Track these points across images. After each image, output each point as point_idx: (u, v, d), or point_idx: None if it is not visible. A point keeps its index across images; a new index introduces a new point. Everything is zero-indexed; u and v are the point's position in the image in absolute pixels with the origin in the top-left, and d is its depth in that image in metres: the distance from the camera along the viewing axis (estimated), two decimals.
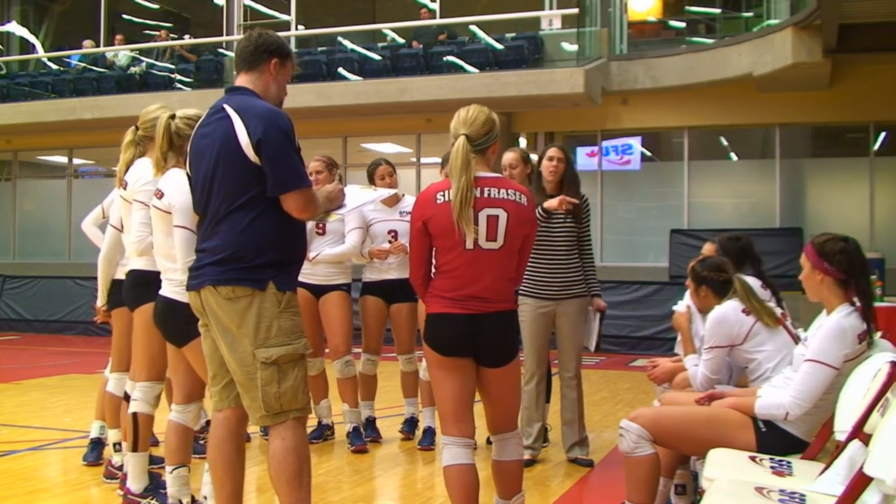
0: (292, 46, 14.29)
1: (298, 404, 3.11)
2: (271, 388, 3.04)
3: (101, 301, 4.78)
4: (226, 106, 3.14)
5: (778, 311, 3.80)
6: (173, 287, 3.63)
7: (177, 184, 3.58)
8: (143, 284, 4.11)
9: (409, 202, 5.72)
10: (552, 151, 5.08)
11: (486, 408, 3.47)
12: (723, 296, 3.78)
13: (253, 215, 3.05)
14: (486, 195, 3.24)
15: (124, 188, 4.23)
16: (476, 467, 3.33)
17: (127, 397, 4.23)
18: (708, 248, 4.41)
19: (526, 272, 3.80)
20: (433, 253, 3.37)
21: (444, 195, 3.27)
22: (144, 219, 4.03)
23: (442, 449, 3.36)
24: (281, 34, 3.38)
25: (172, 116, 3.78)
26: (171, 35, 16.20)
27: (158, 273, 4.01)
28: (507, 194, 3.28)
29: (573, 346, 5.09)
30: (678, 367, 4.13)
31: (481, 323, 3.26)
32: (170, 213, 3.58)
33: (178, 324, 3.61)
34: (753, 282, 4.08)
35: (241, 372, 3.07)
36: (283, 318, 3.07)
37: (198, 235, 3.25)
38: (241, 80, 3.26)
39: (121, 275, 4.47)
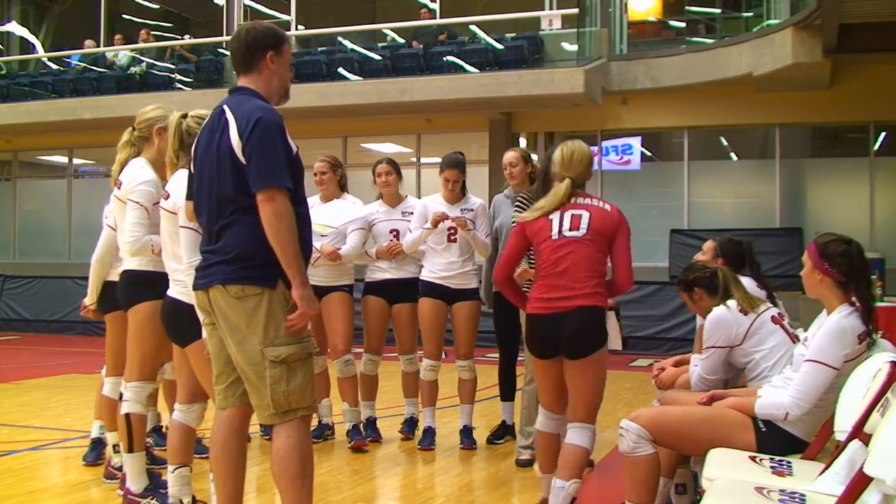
0: (292, 47, 14.29)
1: (306, 403, 3.12)
2: (280, 387, 3.05)
3: (89, 300, 4.74)
4: (225, 107, 3.15)
5: (775, 310, 3.80)
6: (179, 288, 3.63)
7: (183, 185, 3.58)
8: (136, 284, 4.11)
9: (411, 203, 5.74)
10: None
11: (569, 394, 3.80)
12: (715, 292, 3.79)
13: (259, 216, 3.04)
14: (573, 202, 3.73)
15: (118, 188, 4.24)
16: (559, 437, 3.80)
17: (121, 397, 4.22)
18: (708, 246, 4.41)
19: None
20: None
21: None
22: (139, 218, 4.03)
23: (539, 417, 3.93)
24: None
25: (184, 116, 3.79)
26: (171, 35, 16.19)
27: (151, 273, 4.03)
28: (591, 202, 3.75)
29: None
30: (682, 370, 4.13)
31: (562, 322, 3.61)
32: (175, 213, 3.59)
33: (182, 324, 3.62)
34: (748, 282, 4.08)
35: (251, 370, 3.07)
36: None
37: (203, 235, 3.26)
38: (242, 81, 3.26)
39: (115, 276, 4.43)
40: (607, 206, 3.75)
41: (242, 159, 3.03)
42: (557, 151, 3.83)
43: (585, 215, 3.68)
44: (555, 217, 3.69)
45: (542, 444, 3.94)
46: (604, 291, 3.70)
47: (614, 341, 5.22)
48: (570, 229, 3.66)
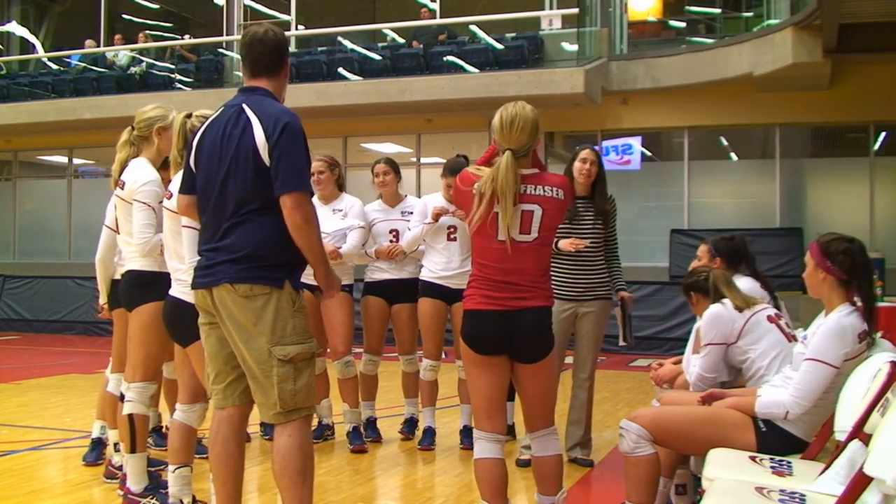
0: (292, 46, 14.33)
1: (309, 402, 3.16)
2: (287, 386, 3.07)
3: (102, 300, 4.80)
4: (245, 106, 3.14)
5: (771, 310, 3.81)
6: (182, 287, 3.63)
7: None
8: (139, 285, 4.12)
9: (410, 202, 5.73)
10: (586, 153, 5.03)
11: (522, 404, 3.52)
12: (708, 294, 3.84)
13: (273, 216, 3.06)
14: (523, 192, 3.29)
15: (121, 188, 4.23)
16: (505, 461, 3.41)
17: (122, 397, 4.23)
18: (703, 250, 4.41)
19: (550, 273, 3.74)
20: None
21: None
22: (147, 219, 4.03)
23: (474, 442, 3.44)
24: None
25: (189, 115, 3.80)
26: (171, 35, 16.20)
27: (155, 273, 4.03)
28: (543, 190, 3.31)
29: (591, 347, 5.09)
30: (680, 368, 4.14)
31: (516, 320, 3.28)
32: (178, 213, 3.58)
33: (183, 324, 3.62)
34: (750, 283, 4.09)
35: (258, 369, 3.09)
36: (297, 318, 3.12)
37: (204, 233, 3.25)
38: (259, 83, 3.23)
39: (119, 275, 4.46)
40: (560, 193, 3.33)
41: (267, 161, 3.05)
42: (496, 117, 3.33)
43: (537, 212, 3.27)
44: (501, 210, 3.24)
45: (487, 473, 3.37)
46: (551, 289, 3.47)
47: (621, 336, 5.21)
48: (521, 232, 3.27)
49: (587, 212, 5.02)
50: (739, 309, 3.69)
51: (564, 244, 4.85)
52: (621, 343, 5.23)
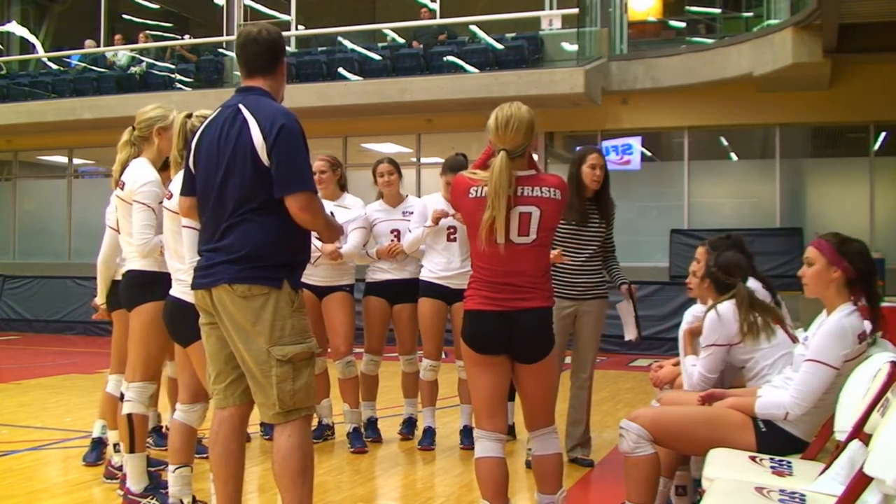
0: (292, 46, 14.33)
1: (309, 402, 3.16)
2: (286, 386, 3.07)
3: (99, 299, 4.79)
4: (241, 106, 3.14)
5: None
6: (182, 287, 3.63)
7: None
8: (140, 285, 4.12)
9: (411, 202, 5.73)
10: (595, 159, 5.01)
11: (522, 403, 3.53)
12: (721, 294, 3.77)
13: (271, 217, 3.08)
14: (520, 194, 3.27)
15: (121, 188, 4.23)
16: (506, 460, 3.41)
17: (122, 397, 4.23)
18: (701, 253, 4.39)
19: (552, 272, 3.71)
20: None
21: (477, 191, 3.31)
22: (147, 220, 4.03)
23: (475, 442, 3.44)
24: None
25: (189, 115, 3.80)
26: (171, 35, 16.20)
27: (156, 273, 4.03)
28: (540, 191, 3.30)
29: (591, 347, 5.09)
30: (680, 369, 4.13)
31: (516, 320, 3.29)
32: (178, 213, 3.58)
33: (184, 324, 3.62)
34: (752, 283, 4.07)
35: (258, 369, 3.09)
36: (296, 318, 3.12)
37: (203, 234, 3.25)
38: (256, 83, 3.24)
39: (120, 276, 4.47)
40: (557, 193, 3.31)
41: (266, 161, 3.05)
42: (491, 117, 3.31)
43: (535, 214, 3.26)
44: (496, 211, 3.21)
45: (488, 472, 3.36)
46: (552, 289, 3.46)
47: (629, 330, 5.18)
48: (520, 234, 3.26)
49: (592, 214, 5.04)
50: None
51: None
52: (628, 337, 5.20)
